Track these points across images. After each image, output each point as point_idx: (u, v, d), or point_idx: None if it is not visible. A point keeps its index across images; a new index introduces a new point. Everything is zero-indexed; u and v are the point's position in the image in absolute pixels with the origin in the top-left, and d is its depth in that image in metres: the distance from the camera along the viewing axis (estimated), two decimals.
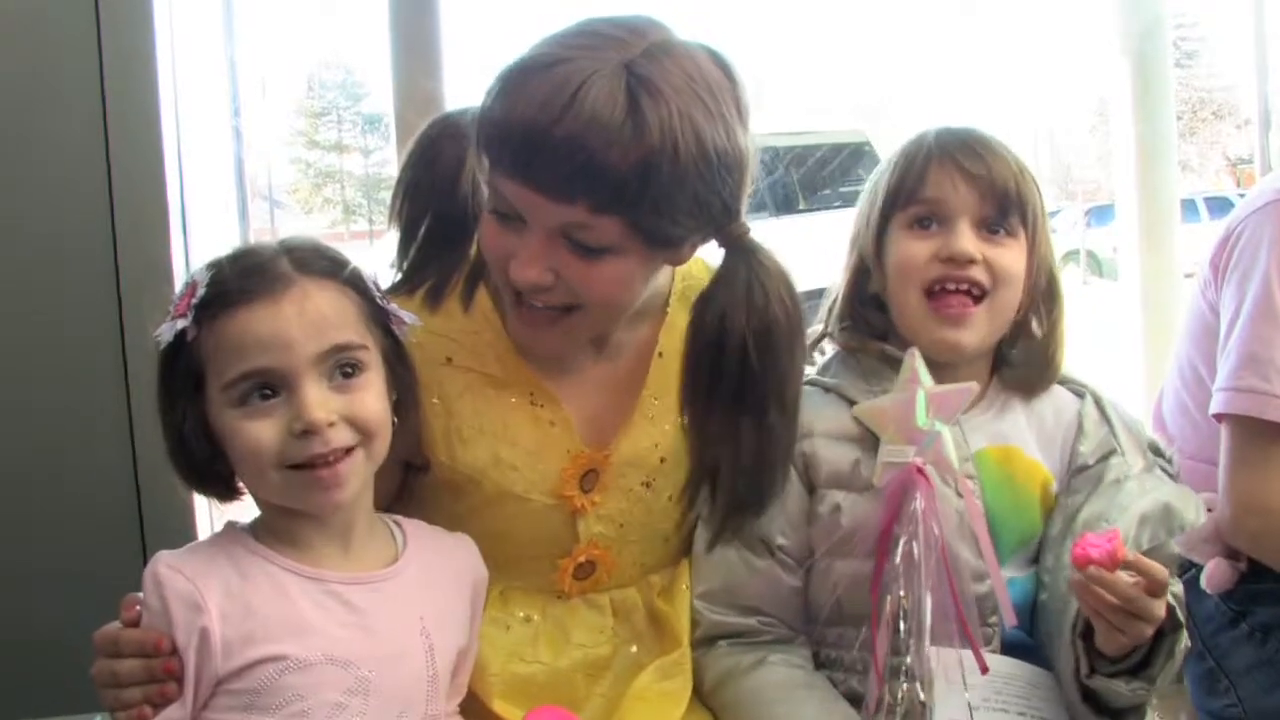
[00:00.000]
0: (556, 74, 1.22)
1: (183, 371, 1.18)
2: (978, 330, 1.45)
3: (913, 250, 1.46)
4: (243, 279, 1.17)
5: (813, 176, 7.68)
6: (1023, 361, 1.52)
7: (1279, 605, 1.66)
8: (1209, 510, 1.65)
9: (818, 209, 7.20)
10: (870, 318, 1.53)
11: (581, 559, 1.46)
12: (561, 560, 1.46)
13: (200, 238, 1.91)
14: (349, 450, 1.17)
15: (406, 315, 1.27)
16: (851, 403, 1.47)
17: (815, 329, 1.57)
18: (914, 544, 1.33)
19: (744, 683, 1.42)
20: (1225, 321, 1.68)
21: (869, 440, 1.43)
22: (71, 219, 1.83)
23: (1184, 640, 1.32)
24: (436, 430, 1.41)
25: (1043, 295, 1.51)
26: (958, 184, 1.44)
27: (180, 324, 1.17)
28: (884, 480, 1.39)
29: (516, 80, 1.25)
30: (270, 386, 1.16)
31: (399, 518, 1.33)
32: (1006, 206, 1.44)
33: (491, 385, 1.41)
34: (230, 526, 1.24)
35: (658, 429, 1.46)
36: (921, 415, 1.38)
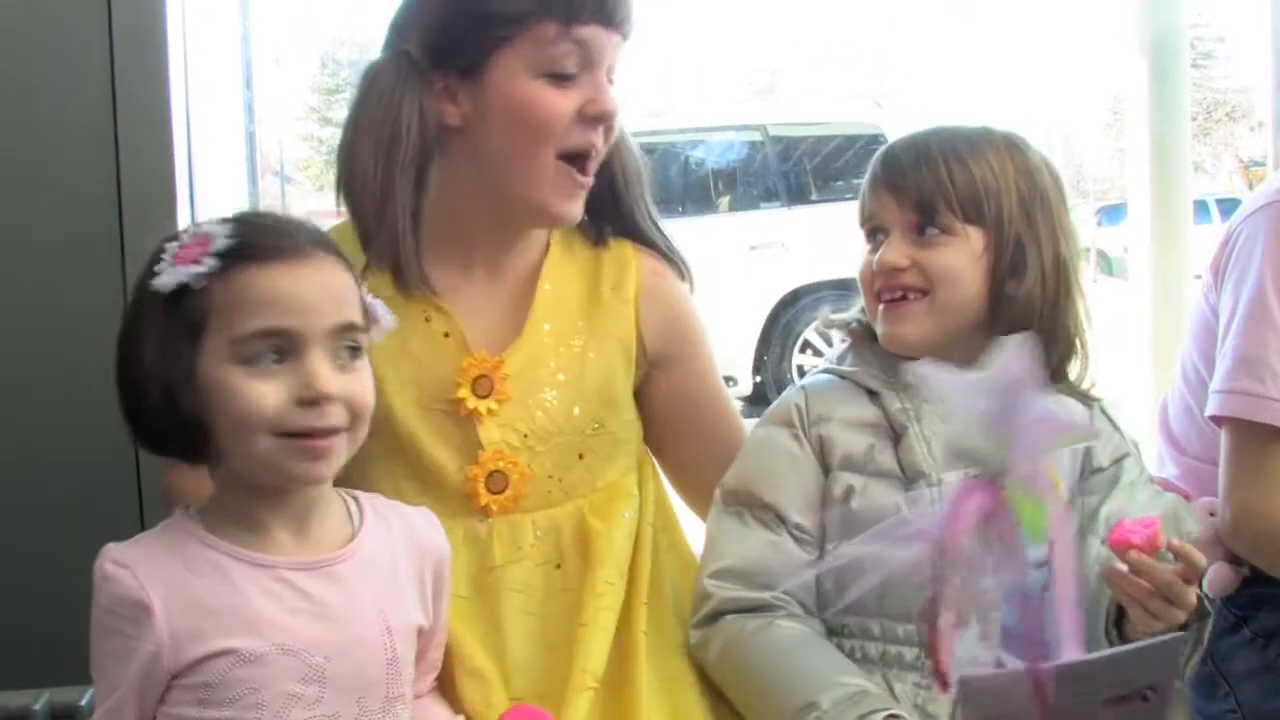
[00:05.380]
0: None
1: (182, 320, 1.14)
2: (919, 324, 1.48)
3: (863, 264, 1.53)
4: (274, 236, 1.17)
5: (826, 167, 7.69)
6: None
7: None
8: (1211, 514, 1.65)
9: (830, 200, 7.18)
10: None
11: (491, 468, 1.47)
12: (470, 469, 1.47)
13: (207, 210, 1.89)
14: (337, 431, 1.16)
15: (385, 313, 1.26)
16: (869, 391, 1.51)
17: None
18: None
19: (752, 643, 1.42)
20: (1222, 324, 1.68)
21: (884, 429, 1.48)
22: (77, 192, 1.81)
23: (1210, 627, 1.34)
24: None
25: (1049, 289, 1.47)
26: (884, 199, 1.50)
27: (196, 269, 1.13)
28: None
29: None
30: (282, 349, 1.14)
31: (357, 493, 1.30)
32: (929, 211, 1.47)
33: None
34: (180, 514, 1.21)
35: (552, 352, 1.51)
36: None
